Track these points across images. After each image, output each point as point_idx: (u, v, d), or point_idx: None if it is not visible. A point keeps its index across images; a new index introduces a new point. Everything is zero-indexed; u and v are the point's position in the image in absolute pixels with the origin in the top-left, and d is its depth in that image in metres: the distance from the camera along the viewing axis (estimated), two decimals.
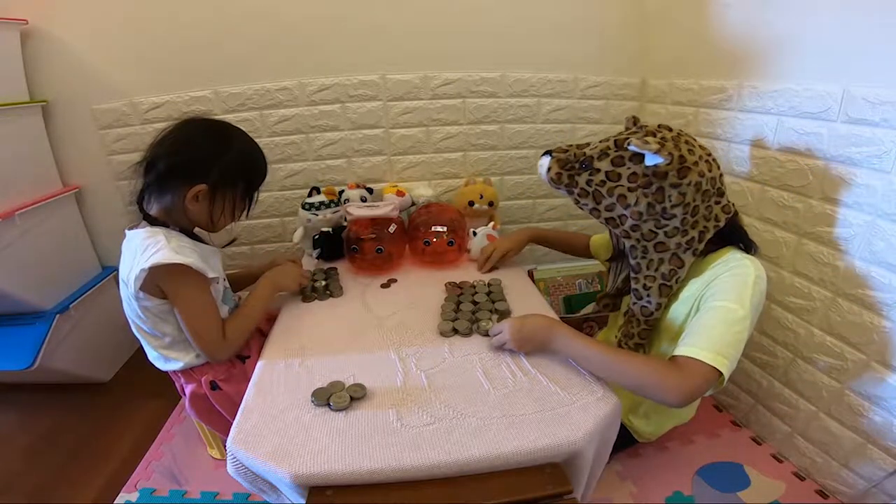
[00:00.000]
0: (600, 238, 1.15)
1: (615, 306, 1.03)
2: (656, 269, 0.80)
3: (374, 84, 1.34)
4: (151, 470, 1.12)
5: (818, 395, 1.00)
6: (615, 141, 0.77)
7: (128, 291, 0.80)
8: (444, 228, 1.18)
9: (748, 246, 0.83)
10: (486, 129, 1.44)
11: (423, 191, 1.42)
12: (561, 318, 0.92)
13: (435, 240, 1.17)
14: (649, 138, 0.72)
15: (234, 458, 0.64)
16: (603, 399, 0.70)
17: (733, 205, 0.82)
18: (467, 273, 1.15)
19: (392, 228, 1.18)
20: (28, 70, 1.20)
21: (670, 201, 0.73)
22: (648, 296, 0.82)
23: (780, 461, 1.09)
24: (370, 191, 1.39)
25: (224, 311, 0.91)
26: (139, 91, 1.28)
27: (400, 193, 1.35)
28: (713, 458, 1.10)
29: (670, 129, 0.77)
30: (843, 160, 0.89)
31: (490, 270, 1.15)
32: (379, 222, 1.19)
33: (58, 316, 1.21)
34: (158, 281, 0.78)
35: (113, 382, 1.46)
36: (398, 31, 1.29)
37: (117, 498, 1.04)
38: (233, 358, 0.92)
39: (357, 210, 1.20)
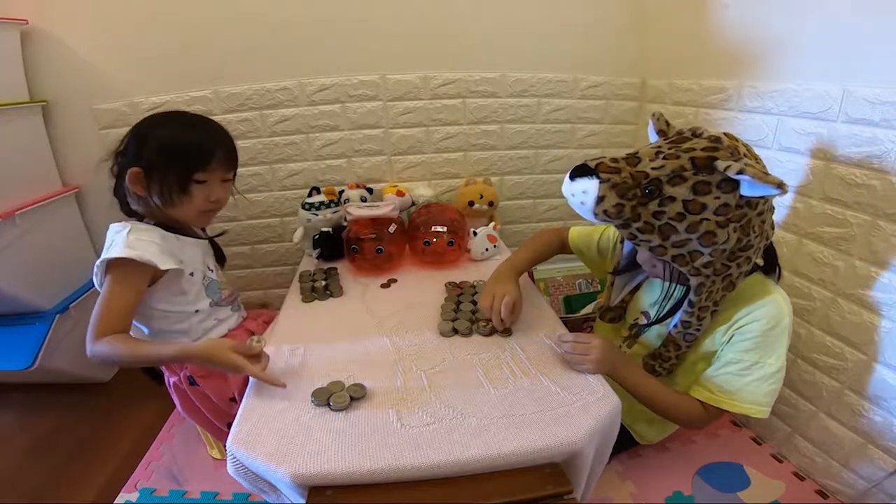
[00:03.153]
0: (579, 233, 1.03)
1: (619, 318, 0.98)
2: (711, 299, 0.72)
3: (374, 84, 1.33)
4: (151, 470, 1.11)
5: (818, 395, 1.00)
6: (692, 160, 0.60)
7: (98, 287, 0.81)
8: (444, 228, 1.18)
9: (771, 265, 0.80)
10: (486, 129, 1.44)
11: (423, 191, 1.42)
12: (561, 318, 0.92)
13: (435, 240, 1.17)
14: (759, 167, 0.59)
15: (234, 458, 0.64)
16: (603, 399, 0.70)
17: None
18: (467, 273, 1.15)
19: (392, 228, 1.18)
20: (28, 70, 1.20)
21: (754, 232, 0.64)
22: (700, 324, 0.75)
23: (780, 461, 1.09)
24: (370, 191, 1.39)
25: (204, 304, 0.92)
26: (139, 91, 1.28)
27: (400, 193, 1.35)
28: (713, 458, 1.10)
29: (719, 139, 0.63)
30: (843, 160, 0.89)
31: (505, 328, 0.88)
32: (379, 222, 1.19)
33: (58, 316, 1.21)
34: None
35: (113, 382, 1.46)
36: (398, 31, 1.29)
37: (117, 498, 1.04)
38: None
39: (357, 210, 1.20)
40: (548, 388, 0.72)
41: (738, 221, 0.61)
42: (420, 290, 1.07)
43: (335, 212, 1.28)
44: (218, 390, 0.91)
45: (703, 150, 0.61)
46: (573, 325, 0.96)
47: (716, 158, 0.59)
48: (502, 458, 0.61)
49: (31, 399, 1.40)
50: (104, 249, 0.80)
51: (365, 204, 1.30)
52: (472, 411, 0.68)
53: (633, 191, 0.61)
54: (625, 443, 0.99)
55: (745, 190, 0.59)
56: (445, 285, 1.07)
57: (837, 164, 0.90)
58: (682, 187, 0.60)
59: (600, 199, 0.61)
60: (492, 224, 1.25)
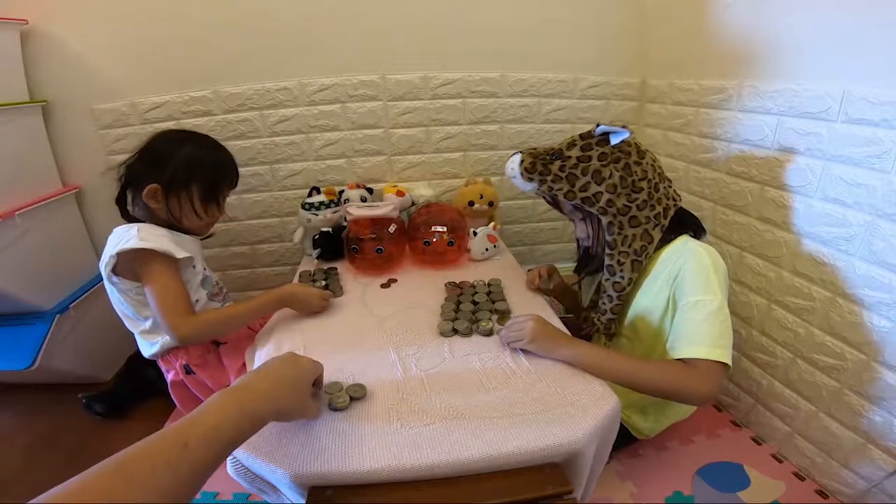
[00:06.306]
0: None
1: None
2: (629, 245, 0.85)
3: (374, 84, 1.33)
4: None
5: (818, 395, 1.00)
6: (580, 135, 0.88)
7: (105, 280, 0.87)
8: (444, 228, 1.18)
9: (698, 231, 0.90)
10: (486, 129, 1.44)
11: (423, 191, 1.42)
12: (561, 318, 0.92)
13: (435, 240, 1.17)
14: (609, 121, 0.84)
15: (234, 458, 0.64)
16: (603, 399, 0.70)
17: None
18: (467, 273, 1.15)
19: (392, 228, 1.18)
20: (28, 70, 1.20)
21: (636, 175, 0.83)
22: (622, 271, 0.87)
23: (780, 461, 1.09)
24: (370, 191, 1.39)
25: (202, 294, 0.97)
26: (139, 91, 1.28)
27: (400, 193, 1.35)
28: (713, 458, 1.10)
29: (599, 124, 0.87)
30: (843, 160, 0.89)
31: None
32: (379, 222, 1.19)
33: (58, 316, 1.21)
34: (131, 266, 0.85)
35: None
36: (398, 31, 1.29)
37: None
38: (207, 343, 0.97)
39: (357, 210, 1.20)
40: (548, 388, 0.73)
41: (616, 163, 0.83)
42: (420, 290, 1.07)
43: (335, 212, 1.28)
44: (215, 378, 0.95)
45: (588, 130, 0.89)
46: (573, 325, 0.97)
47: (592, 130, 0.87)
48: (502, 458, 0.61)
49: (31, 399, 1.40)
50: (113, 247, 0.84)
51: (365, 204, 1.30)
52: (471, 411, 0.68)
53: (542, 156, 0.89)
54: (622, 439, 0.99)
55: (614, 139, 0.84)
56: (445, 285, 1.07)
57: (837, 164, 0.90)
58: (574, 149, 0.86)
59: (521, 161, 0.89)
60: (492, 224, 1.25)
